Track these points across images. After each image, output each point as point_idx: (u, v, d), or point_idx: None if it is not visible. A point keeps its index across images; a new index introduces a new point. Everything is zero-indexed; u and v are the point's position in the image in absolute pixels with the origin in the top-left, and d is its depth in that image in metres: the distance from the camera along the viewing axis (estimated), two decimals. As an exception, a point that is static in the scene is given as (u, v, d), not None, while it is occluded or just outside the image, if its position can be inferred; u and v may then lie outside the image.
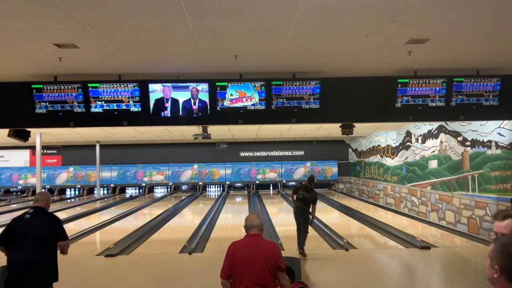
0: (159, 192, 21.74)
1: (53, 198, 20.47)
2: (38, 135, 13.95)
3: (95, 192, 20.31)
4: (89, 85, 6.63)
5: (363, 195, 18.35)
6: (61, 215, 12.11)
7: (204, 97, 6.71)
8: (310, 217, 7.79)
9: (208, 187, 21.82)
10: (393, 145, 14.63)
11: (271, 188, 21.59)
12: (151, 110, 6.74)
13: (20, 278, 3.85)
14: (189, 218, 13.67)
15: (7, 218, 13.32)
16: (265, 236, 9.23)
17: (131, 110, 6.75)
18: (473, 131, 9.28)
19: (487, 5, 4.08)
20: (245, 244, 3.36)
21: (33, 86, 6.62)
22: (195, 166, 21.21)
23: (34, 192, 18.07)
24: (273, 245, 3.44)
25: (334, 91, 6.92)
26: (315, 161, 21.13)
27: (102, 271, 6.79)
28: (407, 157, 13.29)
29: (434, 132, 11.27)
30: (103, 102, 6.70)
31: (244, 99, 6.71)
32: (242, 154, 21.29)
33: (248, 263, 3.22)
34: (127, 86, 6.67)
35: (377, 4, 4.01)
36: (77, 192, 21.28)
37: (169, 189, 21.59)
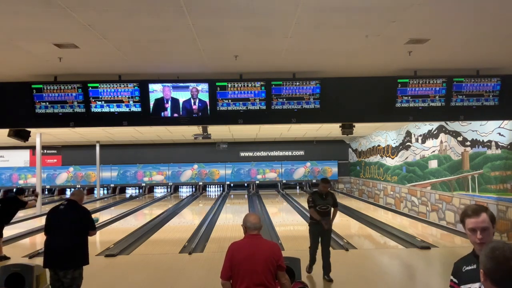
0: (159, 192, 21.74)
1: (53, 198, 20.48)
2: (38, 135, 13.96)
3: (95, 192, 20.31)
4: (89, 85, 6.63)
5: (363, 195, 18.35)
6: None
7: (204, 97, 6.71)
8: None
9: (208, 187, 21.82)
10: (393, 145, 14.63)
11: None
12: (151, 110, 6.74)
13: (54, 260, 4.53)
14: (189, 218, 13.67)
15: (7, 218, 13.31)
16: (265, 236, 9.24)
17: (131, 110, 6.75)
18: (473, 131, 9.28)
19: (487, 5, 4.08)
20: (246, 244, 3.34)
21: (33, 86, 6.61)
22: (195, 166, 21.21)
23: (34, 192, 18.05)
24: (274, 245, 3.43)
25: (334, 91, 6.92)
26: (315, 161, 21.13)
27: (102, 271, 6.78)
28: (407, 157, 13.29)
29: (434, 132, 11.27)
30: (103, 102, 6.70)
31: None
32: (242, 154, 21.29)
33: (249, 263, 3.21)
34: (127, 86, 6.67)
35: (377, 4, 4.01)
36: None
37: (169, 189, 21.59)
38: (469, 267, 2.14)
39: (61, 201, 5.42)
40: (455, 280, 2.22)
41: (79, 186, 21.03)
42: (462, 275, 2.17)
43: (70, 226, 4.58)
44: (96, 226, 5.30)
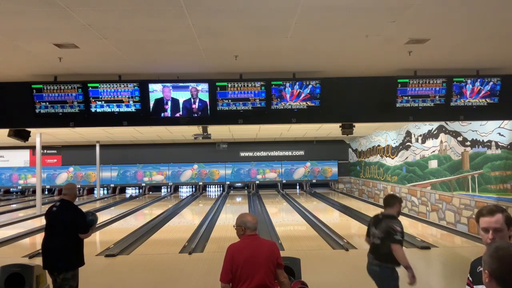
0: (158, 192, 21.71)
1: (53, 198, 20.49)
2: (38, 135, 13.96)
3: (95, 192, 20.31)
4: (89, 85, 6.63)
5: (363, 195, 18.35)
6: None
7: (204, 97, 6.71)
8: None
9: (208, 187, 21.82)
10: (393, 145, 14.63)
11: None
12: (151, 110, 6.74)
13: (49, 261, 4.56)
14: (189, 218, 13.67)
15: (7, 218, 13.34)
16: (265, 236, 9.22)
17: (131, 110, 6.75)
18: (473, 131, 9.28)
19: (487, 5, 4.08)
20: (245, 245, 3.31)
21: (33, 86, 6.61)
22: (195, 166, 21.20)
23: (34, 192, 18.06)
24: (272, 244, 3.43)
25: (334, 91, 6.92)
26: (315, 161, 21.13)
27: (102, 271, 6.78)
28: (407, 157, 13.29)
29: (434, 132, 11.27)
30: (103, 102, 6.70)
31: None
32: (242, 154, 21.29)
33: (250, 264, 3.19)
34: (127, 86, 6.67)
35: (377, 4, 4.01)
36: (77, 192, 21.23)
37: (169, 189, 21.58)
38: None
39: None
40: (471, 278, 2.22)
41: (79, 186, 21.03)
42: (477, 275, 2.15)
43: (62, 228, 4.56)
44: (96, 226, 5.28)
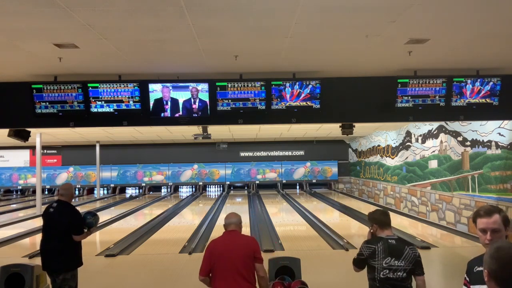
0: (158, 192, 21.72)
1: (54, 198, 20.49)
2: (38, 135, 13.95)
3: (95, 192, 20.31)
4: (89, 85, 6.63)
5: (363, 195, 18.35)
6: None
7: (204, 97, 6.71)
8: None
9: (208, 187, 21.82)
10: (393, 145, 14.63)
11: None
12: (151, 110, 6.74)
13: (48, 262, 4.57)
14: (189, 218, 13.67)
15: (7, 218, 13.34)
16: (265, 236, 9.21)
17: (131, 110, 6.75)
18: (473, 131, 9.28)
19: (487, 5, 4.08)
20: (223, 240, 3.47)
21: (33, 86, 6.61)
22: (195, 166, 21.20)
23: (34, 192, 18.06)
24: (249, 238, 3.58)
25: (334, 91, 6.92)
26: (315, 161, 21.13)
27: (102, 271, 6.78)
28: (407, 157, 13.29)
29: (434, 132, 11.27)
30: (103, 102, 6.70)
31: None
32: (242, 154, 21.29)
33: (225, 258, 3.31)
34: (127, 86, 6.67)
35: (377, 4, 4.01)
36: (77, 192, 21.26)
37: (169, 189, 21.58)
38: (480, 268, 2.13)
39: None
40: (467, 278, 2.22)
41: (79, 186, 21.04)
42: (474, 275, 2.15)
43: (59, 229, 4.53)
44: (97, 226, 5.27)
